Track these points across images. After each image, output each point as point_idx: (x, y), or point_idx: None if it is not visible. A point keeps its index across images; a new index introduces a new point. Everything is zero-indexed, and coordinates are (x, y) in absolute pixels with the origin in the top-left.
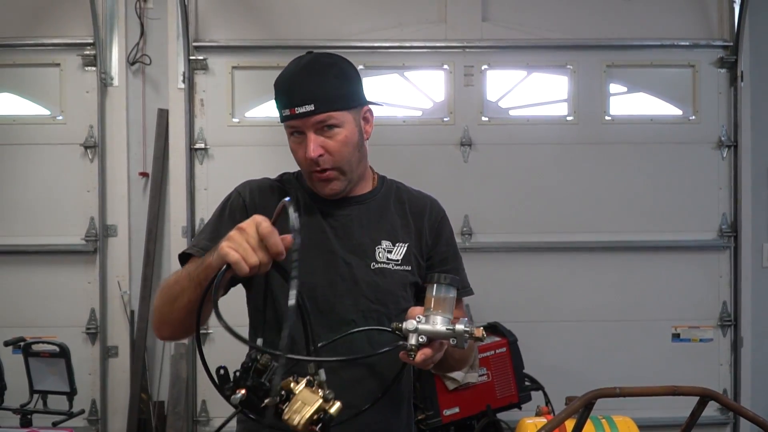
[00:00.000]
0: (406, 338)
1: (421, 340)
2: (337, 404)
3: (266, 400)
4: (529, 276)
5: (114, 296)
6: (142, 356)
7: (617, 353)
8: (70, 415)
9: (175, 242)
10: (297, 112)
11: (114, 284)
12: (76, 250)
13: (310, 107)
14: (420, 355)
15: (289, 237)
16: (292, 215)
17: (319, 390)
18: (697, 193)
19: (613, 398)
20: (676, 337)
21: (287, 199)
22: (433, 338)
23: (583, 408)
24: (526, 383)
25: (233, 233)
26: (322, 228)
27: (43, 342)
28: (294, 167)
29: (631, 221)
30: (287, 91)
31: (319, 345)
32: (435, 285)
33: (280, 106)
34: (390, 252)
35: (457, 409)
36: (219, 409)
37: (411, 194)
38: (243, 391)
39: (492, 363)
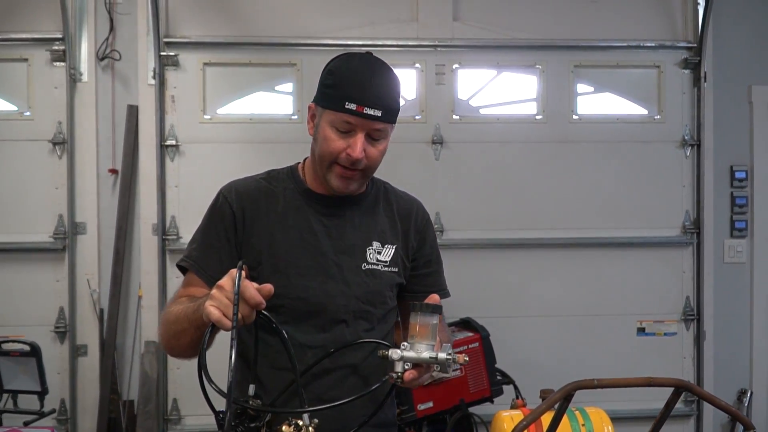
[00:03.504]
0: (392, 366)
1: (406, 366)
2: None
3: None
4: (500, 272)
5: (83, 294)
6: (112, 355)
7: (585, 347)
8: (41, 415)
9: (145, 240)
10: (365, 112)
11: (83, 282)
12: (44, 248)
13: (378, 113)
14: (408, 375)
15: (267, 286)
16: (236, 283)
17: None
18: (662, 191)
19: (582, 390)
20: (641, 331)
21: (240, 262)
22: (417, 364)
23: (562, 400)
24: (498, 377)
25: (213, 291)
26: (313, 228)
27: (12, 341)
28: (265, 166)
29: (598, 218)
30: (359, 87)
31: (302, 370)
32: (419, 313)
33: (344, 97)
34: (380, 253)
35: (430, 404)
36: (190, 407)
37: (398, 195)
38: None
39: None
